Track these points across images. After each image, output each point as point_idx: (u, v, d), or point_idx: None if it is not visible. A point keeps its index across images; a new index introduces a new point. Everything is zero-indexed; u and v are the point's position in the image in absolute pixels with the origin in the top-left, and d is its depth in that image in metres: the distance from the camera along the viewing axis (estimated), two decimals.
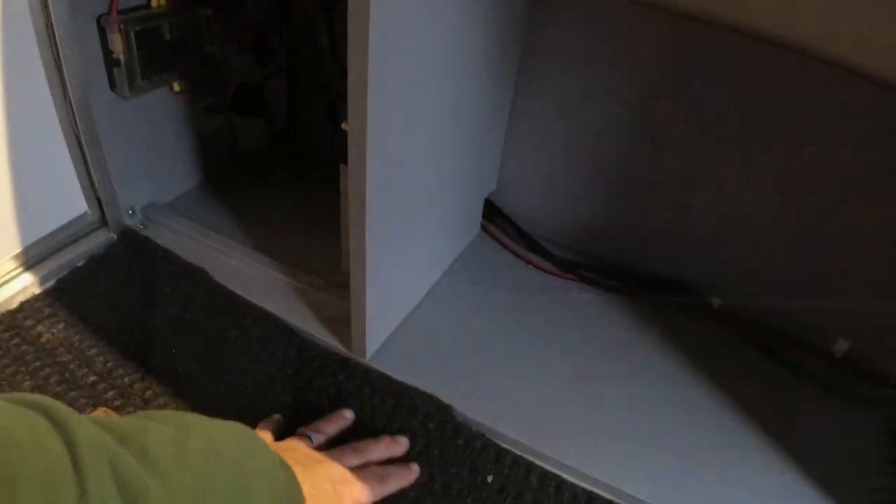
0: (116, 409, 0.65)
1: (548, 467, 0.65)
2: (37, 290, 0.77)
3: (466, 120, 0.73)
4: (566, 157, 0.84)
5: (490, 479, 0.63)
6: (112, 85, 0.77)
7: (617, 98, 0.77)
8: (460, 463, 0.64)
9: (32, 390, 0.66)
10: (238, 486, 0.43)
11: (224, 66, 0.91)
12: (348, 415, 0.66)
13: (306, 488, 0.50)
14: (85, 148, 0.79)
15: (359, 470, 0.59)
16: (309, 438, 0.60)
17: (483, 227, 0.91)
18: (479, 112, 0.75)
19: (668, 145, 0.78)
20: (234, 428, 0.48)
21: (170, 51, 0.80)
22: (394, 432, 0.65)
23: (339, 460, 0.58)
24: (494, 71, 0.75)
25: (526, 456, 0.66)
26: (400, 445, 0.64)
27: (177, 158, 0.93)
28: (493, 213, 0.90)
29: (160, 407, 0.66)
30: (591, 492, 0.64)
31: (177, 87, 0.85)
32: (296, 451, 0.57)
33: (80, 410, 0.65)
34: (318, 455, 0.58)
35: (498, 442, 0.66)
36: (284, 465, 0.49)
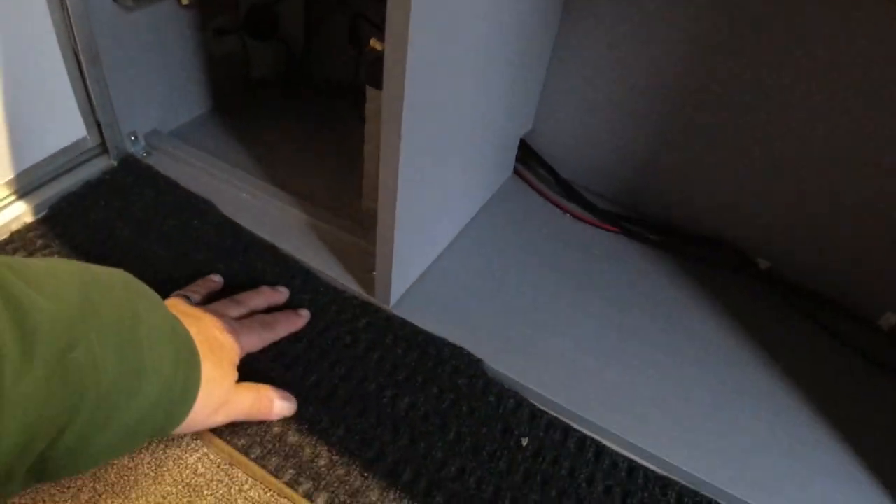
0: None
1: (587, 432, 0.59)
2: (29, 220, 0.70)
3: (511, 48, 0.65)
4: (611, 99, 0.76)
5: (525, 441, 0.57)
6: None
7: (673, 34, 0.69)
8: (492, 422, 0.58)
9: None
10: (126, 312, 0.41)
11: None
12: (216, 278, 0.64)
13: (193, 333, 0.48)
14: (84, 66, 0.72)
15: (243, 320, 0.58)
16: (187, 298, 0.58)
17: (515, 170, 0.84)
18: (524, 41, 0.67)
19: (724, 92, 0.70)
20: (116, 270, 0.45)
21: None
22: (420, 384, 0.59)
23: (223, 311, 0.57)
24: None
25: (563, 418, 0.59)
26: (280, 294, 0.64)
27: (184, 82, 0.85)
28: (527, 156, 0.83)
29: None
30: (632, 460, 0.58)
31: (185, 0, 0.76)
32: (177, 306, 0.55)
33: None
34: (199, 310, 0.56)
35: (532, 401, 0.60)
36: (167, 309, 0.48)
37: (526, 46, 0.69)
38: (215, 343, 0.52)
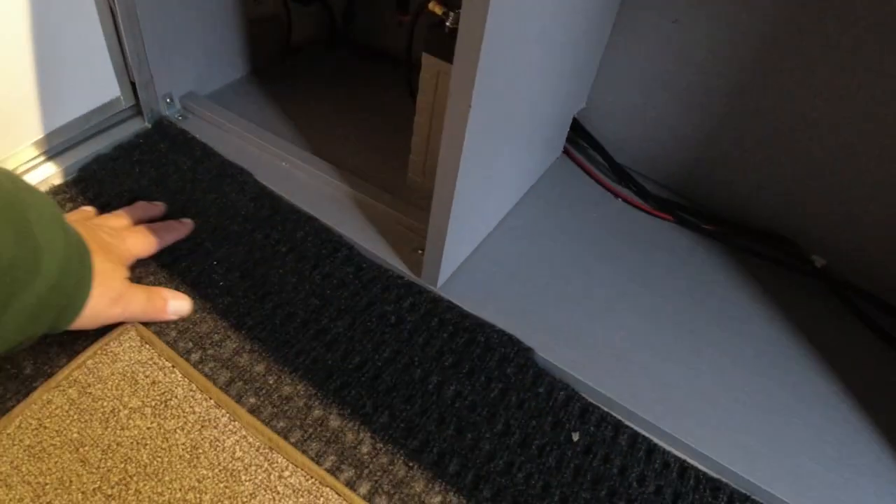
0: (145, 323, 0.56)
1: (639, 429, 0.56)
2: (58, 182, 0.67)
3: (579, 17, 0.61)
4: (672, 78, 0.72)
5: (576, 437, 0.54)
6: None
7: (744, 12, 0.64)
8: (541, 415, 0.54)
9: None
10: (14, 198, 0.42)
11: None
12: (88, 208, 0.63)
13: (82, 233, 0.50)
14: (119, 22, 0.68)
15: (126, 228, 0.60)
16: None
17: (564, 150, 0.80)
18: (591, 11, 0.63)
19: (793, 77, 0.65)
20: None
21: None
22: (467, 371, 0.56)
23: (101, 222, 0.58)
24: None
25: (614, 413, 0.56)
26: (156, 207, 0.64)
27: (223, 43, 0.81)
28: (578, 135, 0.79)
29: (196, 322, 0.57)
30: (683, 461, 0.55)
31: None
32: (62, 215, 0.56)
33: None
34: (80, 220, 0.57)
35: (583, 394, 0.57)
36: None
37: (592, 17, 0.64)
38: (102, 242, 0.53)
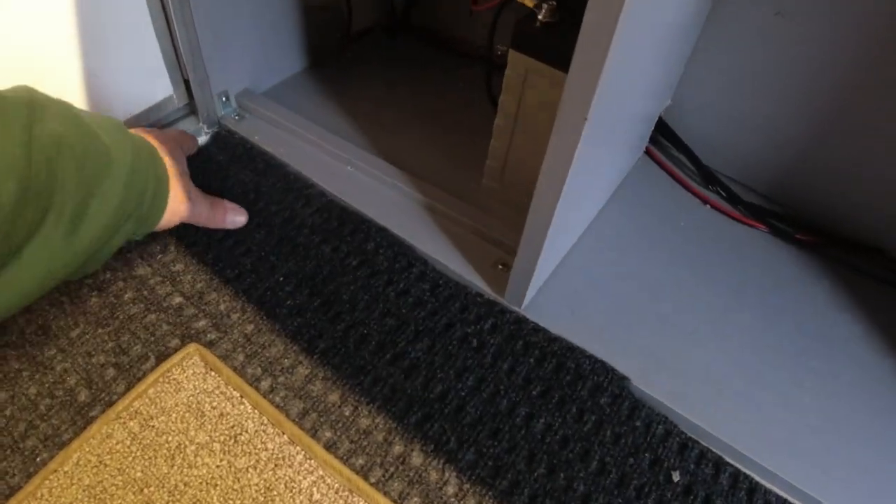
0: (209, 345, 0.52)
1: (740, 466, 0.51)
2: None
3: (683, 8, 0.55)
4: (767, 77, 0.65)
5: (676, 476, 0.49)
6: None
7: (855, 5, 0.57)
8: (639, 452, 0.50)
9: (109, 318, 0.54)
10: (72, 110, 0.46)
11: None
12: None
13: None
14: (171, 15, 0.64)
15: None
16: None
17: (647, 151, 0.74)
18: (691, 4, 0.57)
19: None
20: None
21: None
22: (557, 401, 0.51)
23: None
24: None
25: (714, 449, 0.51)
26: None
27: (280, 35, 0.76)
28: (662, 135, 0.73)
29: (265, 346, 0.53)
30: (786, 500, 0.49)
31: None
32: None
33: (163, 340, 0.52)
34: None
35: (682, 428, 0.52)
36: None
37: (693, 5, 0.58)
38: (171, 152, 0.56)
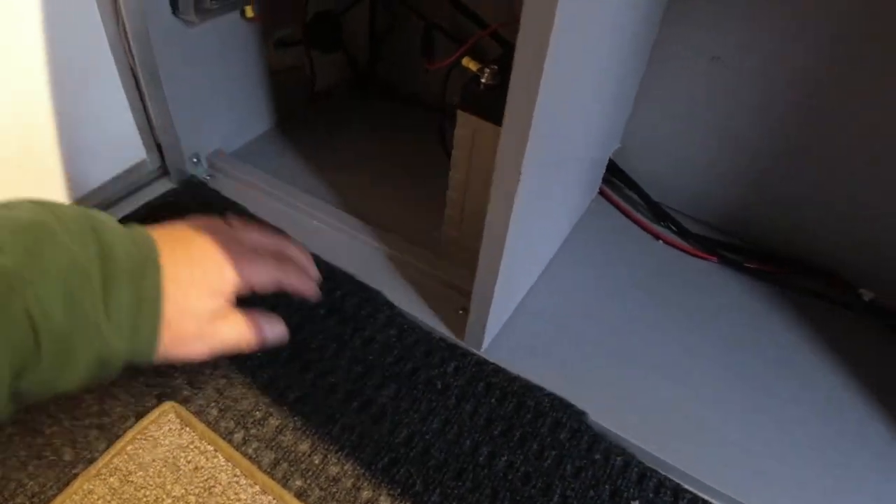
0: (184, 401, 0.54)
1: (698, 492, 0.53)
2: None
3: (619, 61, 0.59)
4: (708, 117, 0.70)
5: None
6: (174, 7, 0.65)
7: (785, 46, 0.62)
8: (599, 484, 0.52)
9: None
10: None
11: None
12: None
13: (171, 255, 0.42)
14: (142, 84, 0.68)
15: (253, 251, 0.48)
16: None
17: (601, 191, 0.77)
18: (627, 53, 0.61)
19: (837, 112, 0.63)
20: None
21: None
22: (518, 439, 0.53)
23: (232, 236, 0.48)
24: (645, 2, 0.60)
25: (672, 477, 0.54)
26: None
27: (247, 98, 0.80)
28: (613, 175, 0.76)
29: (237, 399, 0.55)
30: None
31: (250, 13, 0.71)
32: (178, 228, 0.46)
33: (142, 399, 0.54)
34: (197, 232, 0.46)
35: (641, 459, 0.54)
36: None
37: (629, 59, 0.62)
38: (197, 269, 0.44)
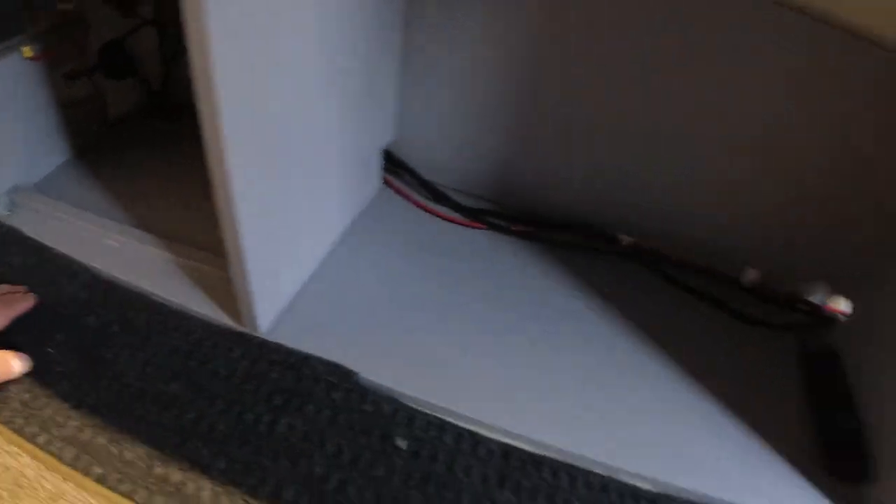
0: None
1: (462, 425, 0.63)
2: None
3: (346, 62, 0.67)
4: (465, 101, 0.80)
5: (401, 443, 0.60)
6: None
7: (510, 33, 0.73)
8: (370, 431, 0.61)
9: None
10: None
11: (82, 24, 0.82)
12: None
13: None
14: None
15: None
16: None
17: (386, 181, 0.87)
18: (364, 52, 0.69)
19: (575, 80, 0.75)
20: None
21: (14, 10, 0.71)
22: (297, 405, 0.62)
23: None
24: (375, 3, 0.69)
25: (438, 416, 0.63)
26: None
27: (41, 133, 0.85)
28: (395, 166, 0.86)
29: (41, 408, 0.61)
30: (506, 445, 0.62)
31: (28, 53, 0.76)
32: None
33: None
34: None
35: (410, 405, 0.64)
36: None
37: (369, 58, 0.71)
38: None
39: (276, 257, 0.66)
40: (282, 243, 0.66)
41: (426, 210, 0.84)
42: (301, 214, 0.69)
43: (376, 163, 0.83)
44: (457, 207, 0.84)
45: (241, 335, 0.67)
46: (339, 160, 0.73)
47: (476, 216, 0.83)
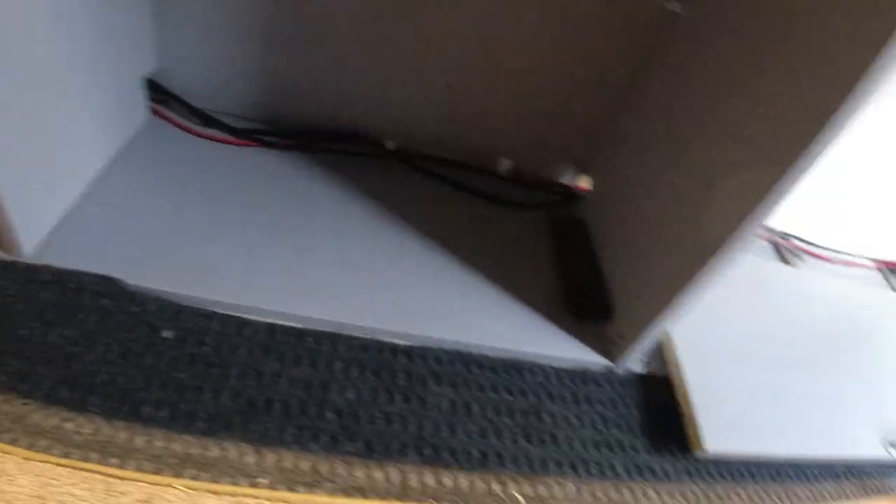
0: None
1: (230, 313, 0.70)
2: None
3: None
4: (219, 21, 0.84)
5: (167, 333, 0.67)
6: None
7: None
8: (136, 328, 0.67)
9: None
10: None
11: None
12: None
13: None
14: None
15: None
16: None
17: (155, 111, 0.90)
18: None
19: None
20: None
21: None
22: (66, 316, 0.67)
23: None
24: None
25: (206, 307, 0.70)
26: None
27: None
28: (163, 94, 0.90)
29: None
30: (272, 323, 0.70)
31: None
32: None
33: None
34: None
35: (177, 301, 0.70)
36: None
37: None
38: None
39: (31, 184, 0.69)
40: (36, 171, 0.70)
41: (198, 135, 0.89)
42: (54, 143, 0.72)
43: (137, 92, 0.86)
44: (228, 129, 0.89)
45: (5, 263, 0.71)
46: (90, 89, 0.75)
47: (248, 136, 0.89)
